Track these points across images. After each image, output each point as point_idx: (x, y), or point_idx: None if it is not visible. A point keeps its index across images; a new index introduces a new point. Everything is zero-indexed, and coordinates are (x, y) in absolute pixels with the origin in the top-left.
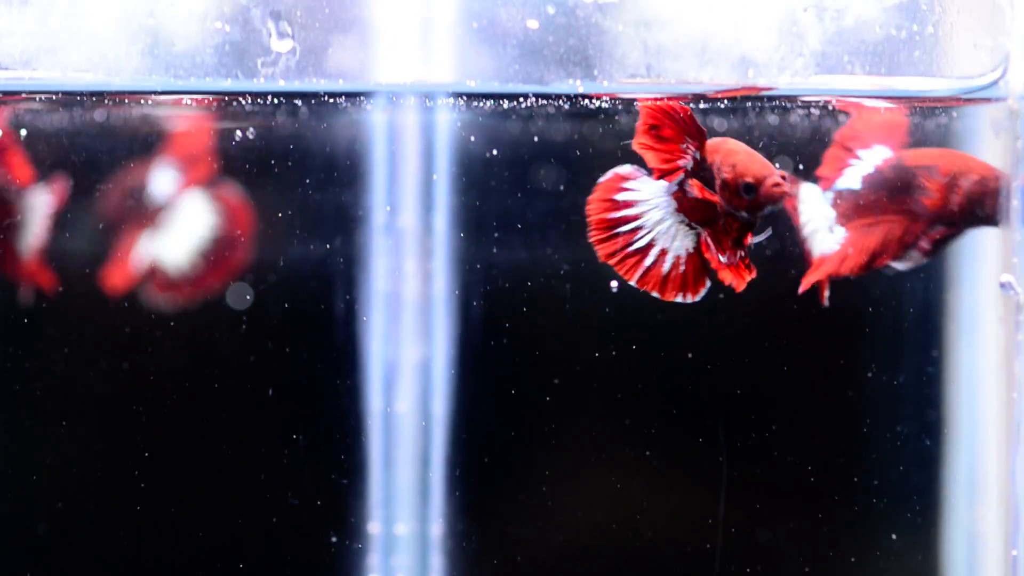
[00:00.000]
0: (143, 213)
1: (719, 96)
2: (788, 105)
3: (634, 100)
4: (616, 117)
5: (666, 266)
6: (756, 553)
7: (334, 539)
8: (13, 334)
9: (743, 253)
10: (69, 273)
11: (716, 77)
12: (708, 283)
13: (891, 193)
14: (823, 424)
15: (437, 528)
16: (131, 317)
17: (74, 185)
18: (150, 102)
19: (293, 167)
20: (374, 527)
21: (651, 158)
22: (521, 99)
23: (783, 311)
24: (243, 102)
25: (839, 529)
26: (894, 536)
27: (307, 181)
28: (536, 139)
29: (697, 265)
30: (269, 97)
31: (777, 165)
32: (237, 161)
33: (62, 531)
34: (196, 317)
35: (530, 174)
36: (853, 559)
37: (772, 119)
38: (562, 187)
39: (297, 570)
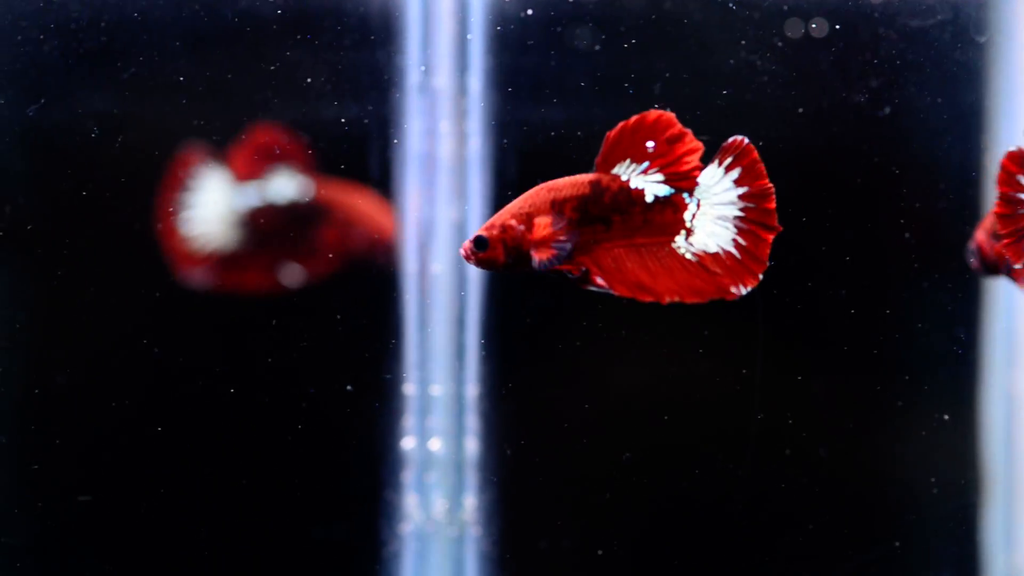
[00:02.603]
0: None
1: None
2: None
3: None
4: None
5: None
6: (792, 427)
7: (369, 401)
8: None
9: None
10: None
11: None
12: None
13: None
14: (860, 297)
15: (472, 389)
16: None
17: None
18: None
19: (326, 27)
20: (410, 388)
21: None
22: None
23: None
24: None
25: (874, 391)
26: (931, 399)
27: (341, 41)
28: None
29: None
30: None
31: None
32: (269, 22)
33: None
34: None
35: (566, 34)
36: (894, 418)
37: None
38: (597, 47)
39: (333, 432)
